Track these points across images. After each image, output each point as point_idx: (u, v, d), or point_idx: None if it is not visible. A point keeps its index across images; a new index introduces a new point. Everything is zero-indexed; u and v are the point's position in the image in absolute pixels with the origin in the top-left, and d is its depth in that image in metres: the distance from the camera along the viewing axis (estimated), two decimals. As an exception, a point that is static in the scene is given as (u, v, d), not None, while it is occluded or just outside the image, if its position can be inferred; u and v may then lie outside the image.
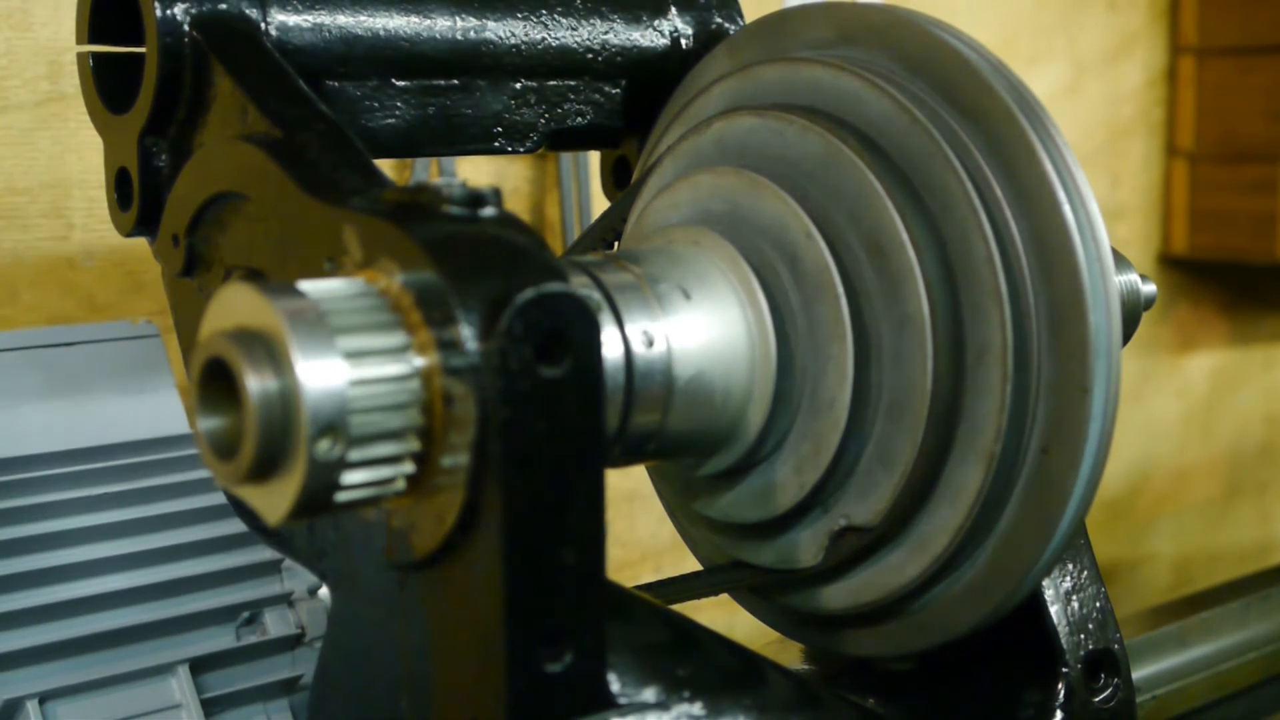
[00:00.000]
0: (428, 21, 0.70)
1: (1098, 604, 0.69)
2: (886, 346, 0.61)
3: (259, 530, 0.61)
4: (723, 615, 0.76)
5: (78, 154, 1.06)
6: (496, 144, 0.74)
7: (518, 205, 1.31)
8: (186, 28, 0.63)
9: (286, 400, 0.45)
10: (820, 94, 0.65)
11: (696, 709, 0.55)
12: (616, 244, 0.74)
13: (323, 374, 0.45)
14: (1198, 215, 1.87)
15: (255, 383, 0.45)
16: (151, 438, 0.83)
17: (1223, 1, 1.83)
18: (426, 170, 1.21)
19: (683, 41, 0.78)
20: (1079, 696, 0.67)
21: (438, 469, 0.47)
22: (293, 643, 0.81)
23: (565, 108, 0.75)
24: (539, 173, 1.31)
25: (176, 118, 0.65)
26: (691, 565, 0.72)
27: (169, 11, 0.63)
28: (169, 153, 0.66)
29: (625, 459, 0.64)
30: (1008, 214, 0.60)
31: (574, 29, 0.75)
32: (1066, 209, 0.59)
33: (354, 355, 0.46)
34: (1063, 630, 0.67)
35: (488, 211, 0.50)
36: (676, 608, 0.61)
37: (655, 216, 0.69)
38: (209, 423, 0.48)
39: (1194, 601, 1.06)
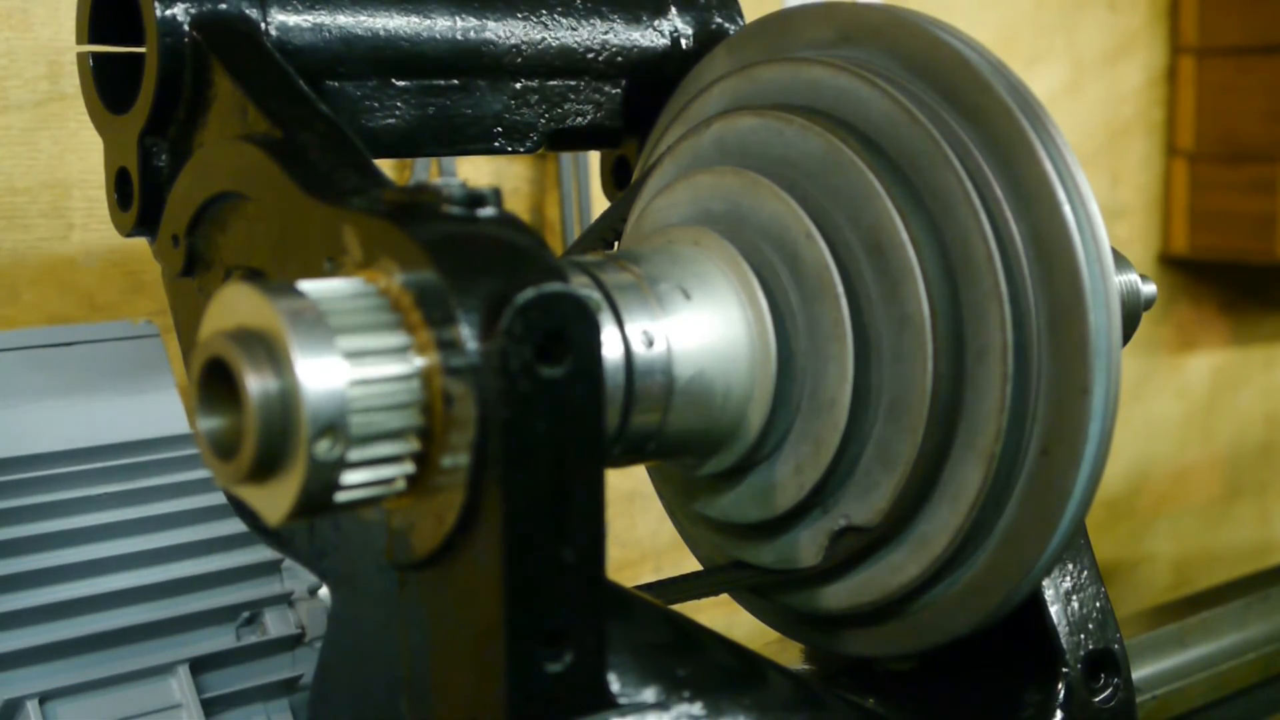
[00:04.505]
0: (428, 21, 0.70)
1: (1098, 604, 0.69)
2: (886, 346, 0.61)
3: (259, 530, 0.61)
4: (723, 615, 0.76)
5: (78, 154, 1.06)
6: (496, 144, 0.74)
7: (518, 205, 1.31)
8: (186, 28, 0.63)
9: (286, 400, 0.45)
10: (820, 94, 0.65)
11: (696, 709, 0.55)
12: (616, 244, 0.74)
13: (323, 374, 0.45)
14: (1198, 215, 1.87)
15: (255, 383, 0.45)
16: (151, 438, 0.83)
17: (1223, 1, 1.83)
18: (426, 170, 1.21)
19: (683, 41, 0.78)
20: (1079, 696, 0.67)
21: (438, 469, 0.47)
22: (293, 643, 0.81)
23: (565, 108, 0.75)
24: (539, 173, 1.31)
25: (176, 118, 0.65)
26: (691, 565, 0.72)
27: (169, 12, 0.63)
28: (169, 153, 0.66)
29: (625, 459, 0.64)
30: (1008, 214, 0.60)
31: (574, 29, 0.75)
32: (1066, 209, 0.59)
33: (354, 355, 0.46)
34: (1063, 630, 0.67)
35: (487, 211, 0.50)
36: (676, 608, 0.61)
37: (655, 216, 0.69)
38: (209, 423, 0.48)
39: (1194, 601, 1.06)
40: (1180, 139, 1.88)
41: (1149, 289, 0.74)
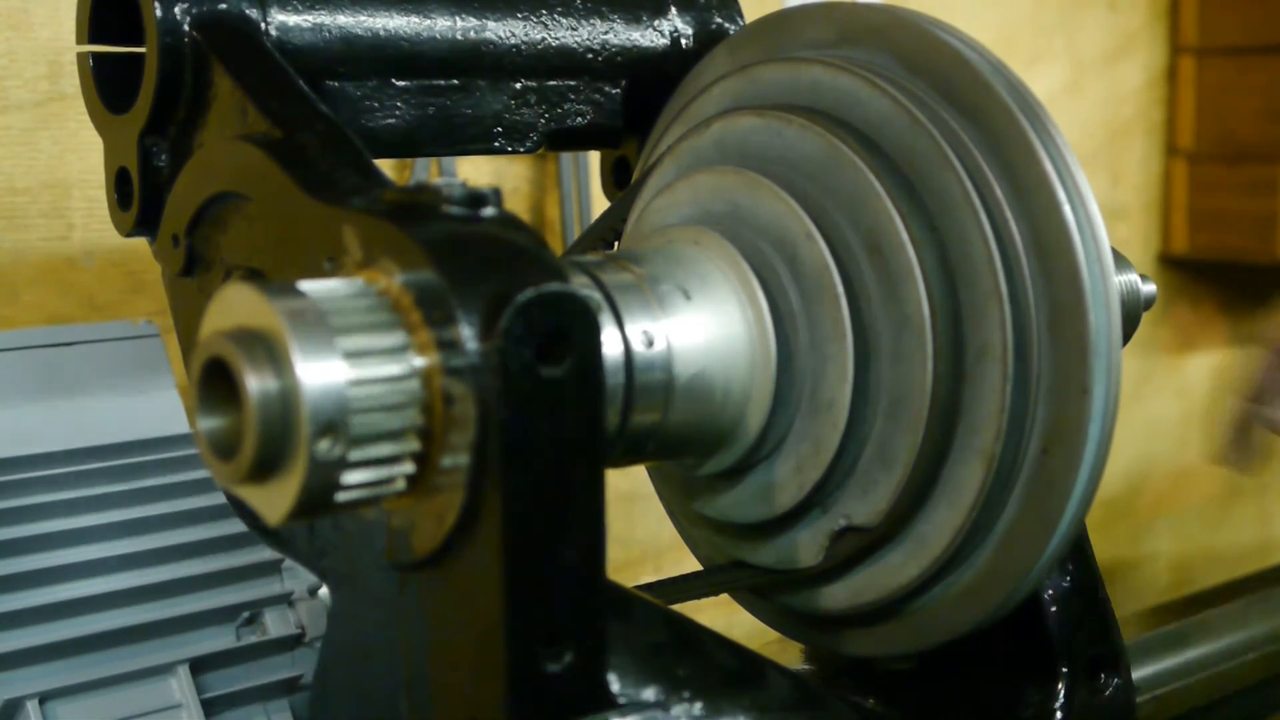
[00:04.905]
0: (428, 21, 0.70)
1: (1098, 604, 0.69)
2: (886, 346, 0.61)
3: (259, 530, 0.61)
4: (723, 615, 0.76)
5: (78, 154, 1.06)
6: (496, 144, 0.74)
7: (518, 205, 1.31)
8: (186, 28, 0.63)
9: (286, 400, 0.45)
10: (820, 94, 0.65)
11: (696, 709, 0.55)
12: (616, 244, 0.74)
13: (323, 374, 0.45)
14: (1197, 215, 1.87)
15: (255, 383, 0.45)
16: (151, 438, 0.83)
17: (1223, 1, 1.83)
18: (426, 170, 1.21)
19: (683, 41, 0.78)
20: (1079, 696, 0.67)
21: (438, 469, 0.47)
22: (293, 643, 0.81)
23: (565, 108, 0.75)
24: (539, 173, 1.31)
25: (176, 118, 0.65)
26: (691, 565, 0.72)
27: (169, 11, 0.63)
28: (169, 153, 0.66)
29: (625, 459, 0.64)
30: (1008, 214, 0.60)
31: (574, 29, 0.75)
32: (1066, 209, 0.59)
33: (354, 355, 0.46)
34: (1063, 630, 0.67)
35: (488, 211, 0.50)
36: (676, 608, 0.61)
37: (655, 216, 0.69)
38: (209, 423, 0.48)
39: (1194, 601, 1.06)
40: (1180, 139, 1.88)
41: (1149, 289, 0.74)
